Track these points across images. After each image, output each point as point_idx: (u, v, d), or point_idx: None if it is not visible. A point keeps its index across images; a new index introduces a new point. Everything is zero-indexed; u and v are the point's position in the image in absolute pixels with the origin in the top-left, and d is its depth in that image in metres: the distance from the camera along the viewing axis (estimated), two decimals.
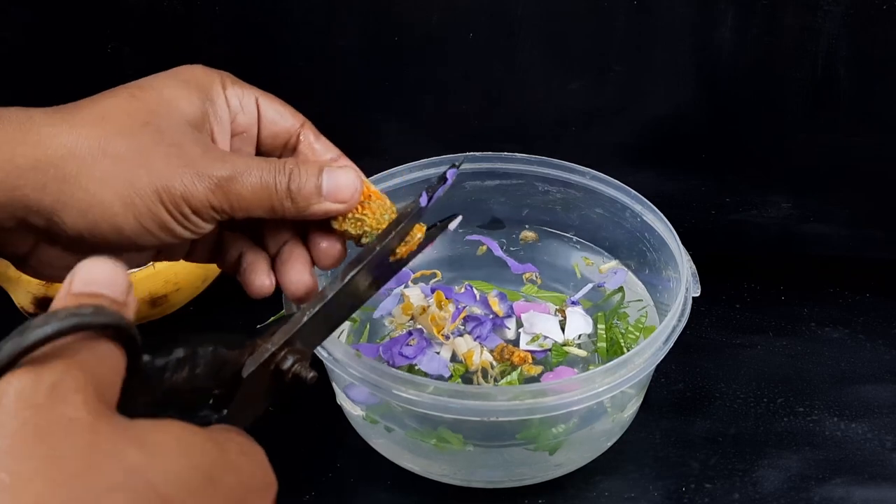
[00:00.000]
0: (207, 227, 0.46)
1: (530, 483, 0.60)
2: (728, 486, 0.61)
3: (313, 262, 0.50)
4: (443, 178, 0.50)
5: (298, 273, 0.50)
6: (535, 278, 0.70)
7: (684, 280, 0.59)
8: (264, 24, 0.75)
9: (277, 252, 0.51)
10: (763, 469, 0.62)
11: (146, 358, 0.36)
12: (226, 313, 0.73)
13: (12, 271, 0.67)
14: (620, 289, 0.68)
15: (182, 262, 0.70)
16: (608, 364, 0.54)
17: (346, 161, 0.52)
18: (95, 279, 0.34)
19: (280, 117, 0.51)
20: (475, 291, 0.68)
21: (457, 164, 0.51)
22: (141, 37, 0.74)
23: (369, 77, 0.77)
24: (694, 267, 0.61)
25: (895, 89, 0.73)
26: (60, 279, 0.45)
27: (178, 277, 0.71)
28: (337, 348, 0.55)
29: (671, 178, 0.79)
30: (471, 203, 0.71)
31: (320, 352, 0.55)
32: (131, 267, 0.50)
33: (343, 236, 0.50)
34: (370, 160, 0.71)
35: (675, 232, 0.62)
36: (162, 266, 0.70)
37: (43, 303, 0.68)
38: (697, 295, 0.60)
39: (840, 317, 0.74)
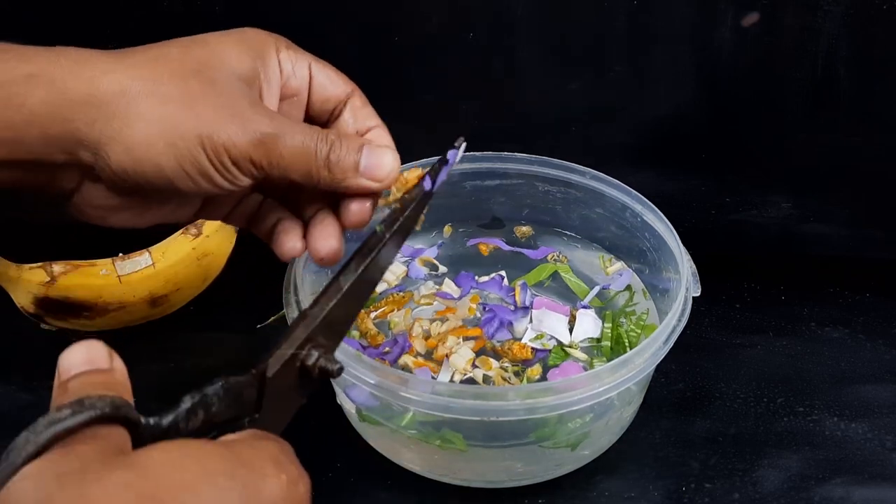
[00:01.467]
0: (245, 181, 0.47)
1: (530, 483, 0.60)
2: (728, 485, 0.61)
3: (343, 229, 0.51)
4: (444, 160, 0.50)
5: (328, 237, 0.50)
6: (559, 258, 0.71)
7: (684, 280, 0.59)
8: (264, 24, 0.74)
9: (310, 219, 0.52)
10: (763, 469, 0.62)
11: (152, 421, 0.36)
12: (226, 313, 0.73)
13: (13, 271, 0.67)
14: (628, 287, 0.68)
15: (182, 262, 0.71)
16: (607, 365, 0.54)
17: (384, 132, 0.52)
18: (74, 363, 0.36)
19: (331, 83, 0.52)
20: (505, 282, 0.69)
21: (457, 144, 0.51)
22: (141, 37, 0.74)
23: (369, 77, 0.76)
24: (694, 267, 0.61)
25: (895, 89, 0.73)
26: (101, 219, 0.48)
27: (178, 277, 0.71)
28: (337, 348, 0.55)
29: (671, 178, 0.79)
30: (471, 203, 0.71)
31: None
32: (179, 218, 0.51)
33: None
34: None
35: (675, 232, 0.63)
36: (162, 266, 0.70)
37: (43, 303, 0.68)
38: (697, 295, 0.60)
39: (840, 317, 0.74)
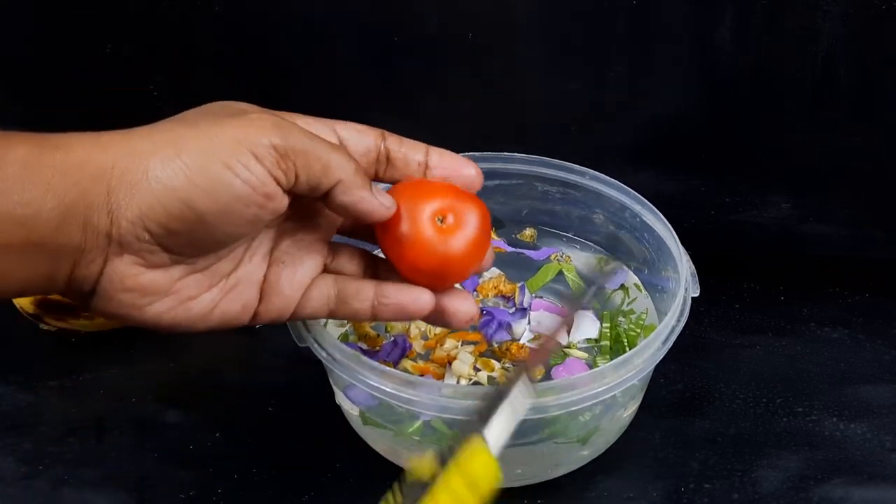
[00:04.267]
0: (271, 186, 0.44)
1: (530, 483, 0.60)
2: (727, 486, 0.61)
3: None
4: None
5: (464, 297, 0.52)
6: (562, 257, 0.71)
7: (683, 280, 0.59)
8: (264, 23, 0.75)
9: None
10: (762, 469, 0.62)
11: None
12: None
13: None
14: (622, 286, 0.68)
15: None
16: (610, 363, 0.54)
17: (434, 151, 0.52)
18: None
19: (360, 135, 0.50)
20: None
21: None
22: (141, 37, 0.74)
23: (369, 77, 0.77)
24: (693, 267, 0.61)
25: (895, 89, 0.73)
26: (136, 309, 0.45)
27: None
28: (336, 349, 0.55)
29: (671, 178, 0.79)
30: None
31: (320, 352, 0.55)
32: (231, 308, 0.48)
33: None
34: None
35: (674, 232, 0.62)
36: None
37: (42, 303, 0.68)
38: (697, 295, 0.60)
39: (840, 317, 0.74)
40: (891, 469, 0.62)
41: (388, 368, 0.54)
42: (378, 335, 0.65)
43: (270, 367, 0.69)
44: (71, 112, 0.78)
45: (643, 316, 0.66)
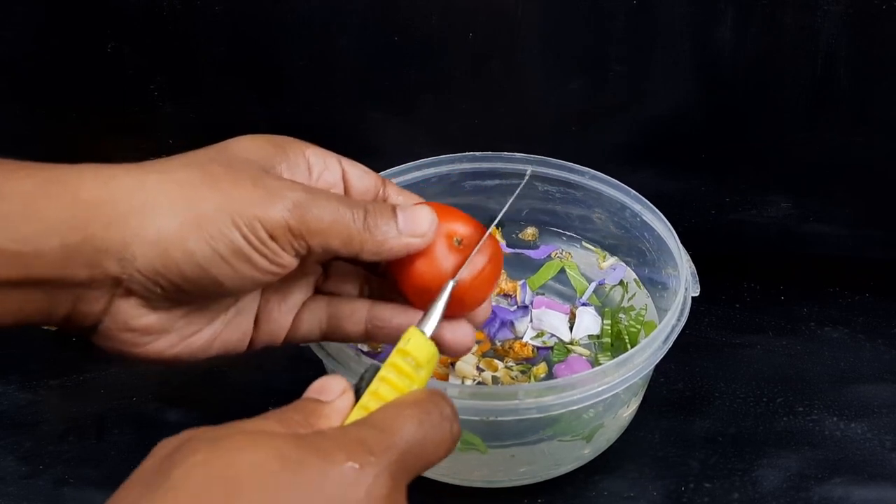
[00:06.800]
0: (286, 259, 0.44)
1: (530, 483, 0.60)
2: (727, 485, 0.61)
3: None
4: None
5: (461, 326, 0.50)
6: (563, 254, 0.71)
7: (683, 280, 0.59)
8: (264, 24, 0.75)
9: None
10: (762, 469, 0.62)
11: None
12: None
13: None
14: (621, 282, 0.68)
15: None
16: (612, 361, 0.54)
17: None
18: (312, 389, 0.42)
19: (364, 175, 0.50)
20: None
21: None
22: (141, 37, 0.74)
23: (369, 77, 0.77)
24: (693, 267, 0.61)
25: (895, 89, 0.73)
26: (136, 347, 0.45)
27: None
28: (337, 349, 0.55)
29: (671, 178, 0.79)
30: (470, 203, 0.71)
31: (320, 352, 0.55)
32: (229, 342, 0.48)
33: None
34: (370, 160, 0.71)
35: (674, 232, 0.63)
36: None
37: None
38: (697, 294, 0.60)
39: (840, 317, 0.74)
40: (891, 469, 0.62)
41: None
42: None
43: (270, 367, 0.69)
44: (71, 112, 0.78)
45: (643, 312, 0.66)
